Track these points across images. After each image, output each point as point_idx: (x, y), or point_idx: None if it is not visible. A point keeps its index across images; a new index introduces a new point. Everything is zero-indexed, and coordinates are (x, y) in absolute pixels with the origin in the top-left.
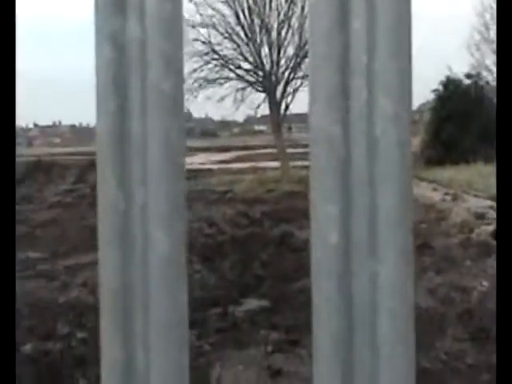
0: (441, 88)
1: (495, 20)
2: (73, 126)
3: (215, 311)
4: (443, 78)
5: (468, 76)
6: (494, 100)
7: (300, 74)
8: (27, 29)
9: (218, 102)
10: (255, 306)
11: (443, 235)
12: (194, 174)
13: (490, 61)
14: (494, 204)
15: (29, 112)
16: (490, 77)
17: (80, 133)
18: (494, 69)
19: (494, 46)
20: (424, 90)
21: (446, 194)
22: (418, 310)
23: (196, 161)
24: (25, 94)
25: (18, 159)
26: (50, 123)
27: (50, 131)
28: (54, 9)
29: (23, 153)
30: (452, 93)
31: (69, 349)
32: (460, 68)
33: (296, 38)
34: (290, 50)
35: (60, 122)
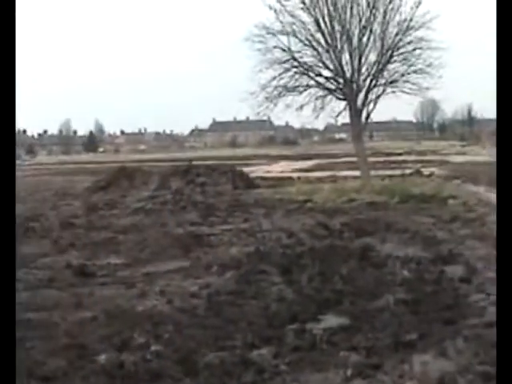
0: None
1: None
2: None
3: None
4: None
5: None
6: None
7: (382, 81)
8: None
9: (297, 110)
10: (334, 324)
11: None
12: (274, 182)
13: None
14: None
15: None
16: None
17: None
18: None
19: None
20: None
21: None
22: None
23: (276, 169)
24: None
25: (103, 165)
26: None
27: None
28: None
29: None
30: None
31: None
32: None
33: (378, 44)
34: (372, 57)
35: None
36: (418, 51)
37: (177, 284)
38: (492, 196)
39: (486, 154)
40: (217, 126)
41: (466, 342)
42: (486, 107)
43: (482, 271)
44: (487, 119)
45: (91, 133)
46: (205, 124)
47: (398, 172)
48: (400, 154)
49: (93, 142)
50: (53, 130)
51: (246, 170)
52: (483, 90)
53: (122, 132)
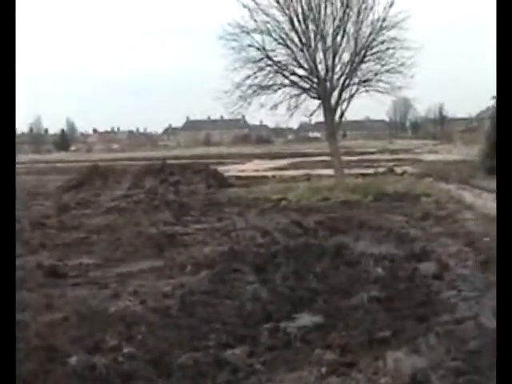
0: None
1: None
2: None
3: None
4: None
5: None
6: None
7: (355, 80)
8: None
9: (271, 109)
10: (309, 322)
11: None
12: (248, 181)
13: None
14: None
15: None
16: None
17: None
18: None
19: None
20: (484, 96)
21: None
22: (484, 332)
23: (250, 168)
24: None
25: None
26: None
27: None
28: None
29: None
30: None
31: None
32: None
33: (351, 43)
34: (346, 56)
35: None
36: (390, 51)
37: (150, 284)
38: (463, 193)
39: (456, 152)
40: (191, 125)
41: (438, 338)
42: (457, 106)
43: (454, 268)
44: (458, 118)
45: (63, 131)
46: (179, 123)
47: (371, 171)
48: (373, 153)
49: (65, 140)
50: (23, 128)
51: (220, 168)
52: (454, 89)
53: (95, 130)
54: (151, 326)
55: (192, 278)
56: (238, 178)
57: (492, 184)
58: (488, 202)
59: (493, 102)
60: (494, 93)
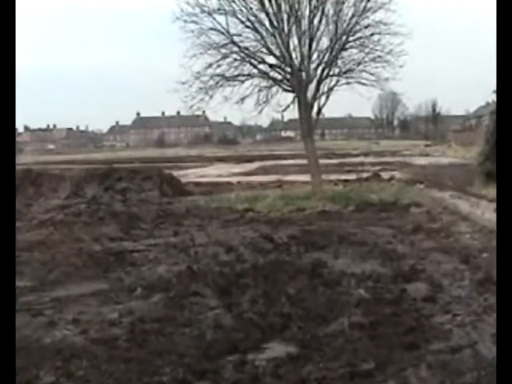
0: None
1: None
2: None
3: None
4: None
5: None
6: None
7: (335, 70)
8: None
9: (237, 103)
10: (280, 353)
11: None
12: (209, 188)
13: None
14: None
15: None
16: None
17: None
18: None
19: None
20: (483, 90)
21: None
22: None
23: (212, 173)
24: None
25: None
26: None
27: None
28: None
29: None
30: None
31: None
32: None
33: (331, 27)
34: (324, 42)
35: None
36: (376, 36)
37: (93, 311)
38: (459, 202)
39: (451, 155)
40: (141, 122)
41: (430, 369)
42: (452, 102)
43: (448, 289)
44: (453, 116)
45: None
46: (127, 119)
47: (353, 176)
48: (356, 156)
49: None
50: None
51: (176, 173)
52: (448, 82)
53: (27, 128)
54: (94, 359)
55: (143, 302)
56: (198, 184)
57: (492, 192)
58: (487, 213)
59: (493, 97)
60: (495, 86)
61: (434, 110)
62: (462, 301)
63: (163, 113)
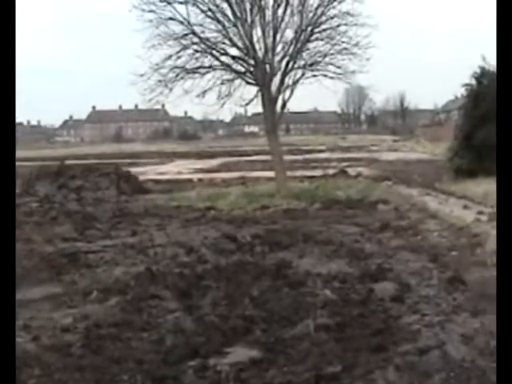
0: (473, 82)
1: None
2: None
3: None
4: (477, 70)
5: None
6: None
7: (301, 62)
8: None
9: (198, 96)
10: (244, 357)
11: (479, 266)
12: (169, 185)
13: None
14: None
15: None
16: None
17: None
18: None
19: None
20: (452, 83)
21: (480, 213)
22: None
23: (172, 169)
24: None
25: None
26: None
27: None
28: None
29: None
30: (487, 88)
31: None
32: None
33: (296, 18)
34: (289, 34)
35: None
36: (342, 27)
37: (45, 316)
38: (427, 199)
39: (420, 150)
40: (97, 116)
41: (398, 371)
42: (421, 96)
43: (416, 288)
44: (422, 110)
45: None
46: (82, 113)
47: (319, 172)
48: (322, 151)
49: None
50: None
51: (134, 170)
52: (416, 76)
53: None
54: (47, 368)
55: (99, 306)
56: (157, 181)
57: (461, 188)
58: (455, 210)
59: (462, 91)
60: (465, 79)
61: (402, 104)
62: (431, 300)
63: (120, 106)
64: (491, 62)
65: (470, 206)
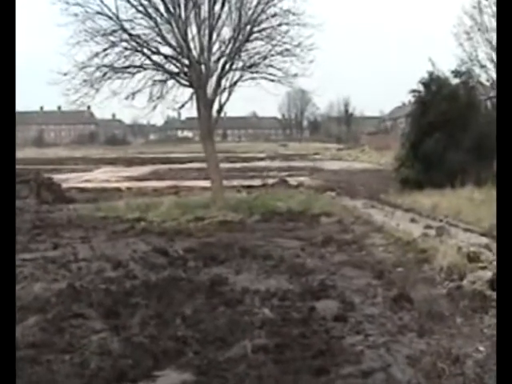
0: (421, 88)
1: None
2: None
3: None
4: (424, 75)
5: (456, 73)
6: (489, 105)
7: (239, 64)
8: None
9: (128, 98)
10: (175, 381)
11: (426, 283)
12: (95, 194)
13: (485, 54)
14: (490, 241)
15: None
16: (484, 75)
17: None
18: (489, 64)
19: (489, 34)
20: (399, 89)
21: (428, 227)
22: None
23: (98, 177)
24: None
25: None
26: None
27: None
28: None
29: None
30: (435, 94)
31: None
32: (446, 63)
33: (234, 15)
34: (226, 32)
35: None
36: (284, 27)
37: None
38: (372, 212)
39: (365, 159)
40: (16, 118)
41: None
42: (366, 102)
43: (360, 307)
44: (367, 117)
45: None
46: None
47: (258, 182)
48: (261, 159)
49: None
50: None
51: (56, 177)
52: (362, 81)
53: None
54: None
55: (16, 326)
56: (82, 190)
57: (408, 200)
58: (402, 223)
59: (410, 97)
60: (412, 85)
61: (346, 110)
62: (375, 320)
63: (41, 107)
64: (440, 67)
65: (417, 219)
